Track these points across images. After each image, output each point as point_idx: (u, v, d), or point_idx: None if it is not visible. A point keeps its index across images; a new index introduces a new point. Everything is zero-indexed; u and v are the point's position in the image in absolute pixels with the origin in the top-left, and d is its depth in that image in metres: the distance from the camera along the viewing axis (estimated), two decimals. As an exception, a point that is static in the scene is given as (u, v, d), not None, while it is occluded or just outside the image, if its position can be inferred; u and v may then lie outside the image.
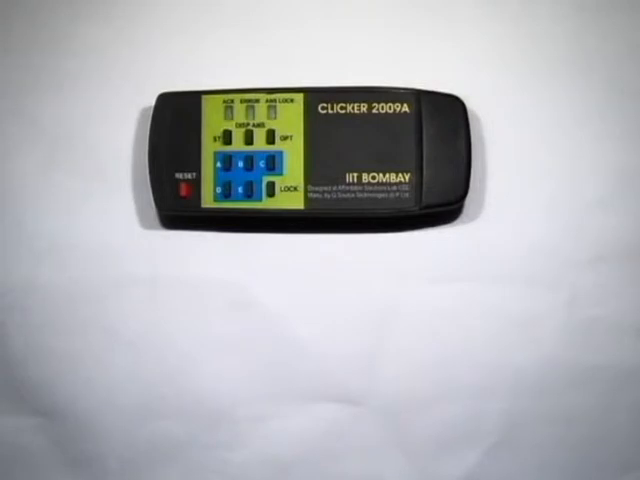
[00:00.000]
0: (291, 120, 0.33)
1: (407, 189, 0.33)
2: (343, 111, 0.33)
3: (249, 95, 0.34)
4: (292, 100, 0.34)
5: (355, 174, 0.33)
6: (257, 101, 0.34)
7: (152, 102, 0.34)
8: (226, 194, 0.33)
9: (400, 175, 0.33)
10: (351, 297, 0.34)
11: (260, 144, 0.34)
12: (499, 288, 0.34)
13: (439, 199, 0.33)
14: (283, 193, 0.33)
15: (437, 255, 0.34)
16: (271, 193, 0.33)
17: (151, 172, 0.34)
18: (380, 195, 0.33)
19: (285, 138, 0.33)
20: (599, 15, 0.35)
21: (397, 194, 0.33)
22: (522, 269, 0.34)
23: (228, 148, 0.34)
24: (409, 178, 0.33)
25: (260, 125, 0.34)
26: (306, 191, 0.33)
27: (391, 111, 0.33)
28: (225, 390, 0.34)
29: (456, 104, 0.34)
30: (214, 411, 0.34)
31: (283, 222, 0.34)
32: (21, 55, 0.36)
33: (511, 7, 0.35)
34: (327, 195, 0.33)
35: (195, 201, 0.33)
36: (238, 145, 0.34)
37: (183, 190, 0.33)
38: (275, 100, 0.34)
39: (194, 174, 0.34)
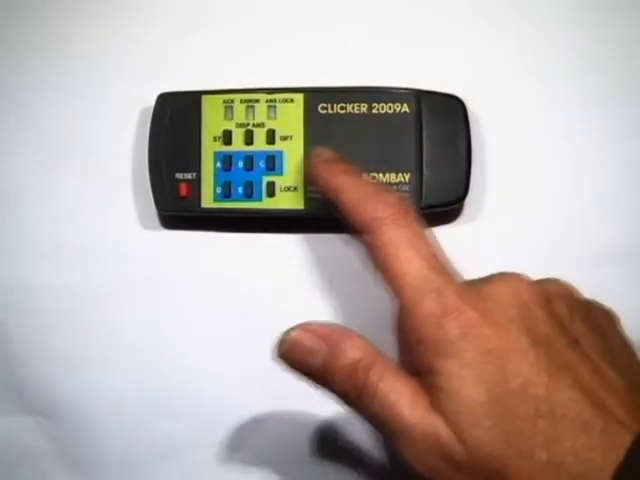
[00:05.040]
0: (291, 120, 0.33)
1: (407, 189, 0.33)
2: (343, 111, 0.33)
3: (249, 95, 0.34)
4: (292, 100, 0.34)
5: (355, 174, 0.33)
6: (257, 101, 0.34)
7: (152, 102, 0.34)
8: (226, 194, 0.33)
9: (400, 175, 0.33)
10: (352, 297, 0.34)
11: (260, 144, 0.34)
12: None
13: (439, 199, 0.33)
14: (283, 193, 0.33)
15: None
16: (271, 193, 0.33)
17: (151, 172, 0.34)
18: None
19: (285, 138, 0.33)
20: (599, 15, 0.35)
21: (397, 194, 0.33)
22: (522, 269, 0.34)
23: (228, 148, 0.34)
24: (409, 178, 0.33)
25: (260, 125, 0.34)
26: (306, 191, 0.33)
27: (391, 111, 0.33)
28: (225, 390, 0.34)
29: (456, 104, 0.34)
30: (214, 411, 0.34)
31: (283, 222, 0.34)
32: (21, 55, 0.36)
33: (512, 7, 0.35)
34: (327, 195, 0.33)
35: (195, 201, 0.34)
36: (238, 145, 0.34)
37: (183, 190, 0.33)
38: (275, 100, 0.34)
39: (194, 174, 0.34)
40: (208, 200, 0.33)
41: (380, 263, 0.25)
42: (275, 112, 0.34)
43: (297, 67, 0.35)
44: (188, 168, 0.34)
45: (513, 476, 0.22)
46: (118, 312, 0.35)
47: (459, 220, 0.35)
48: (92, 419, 0.34)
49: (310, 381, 0.26)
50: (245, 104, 0.34)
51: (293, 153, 0.33)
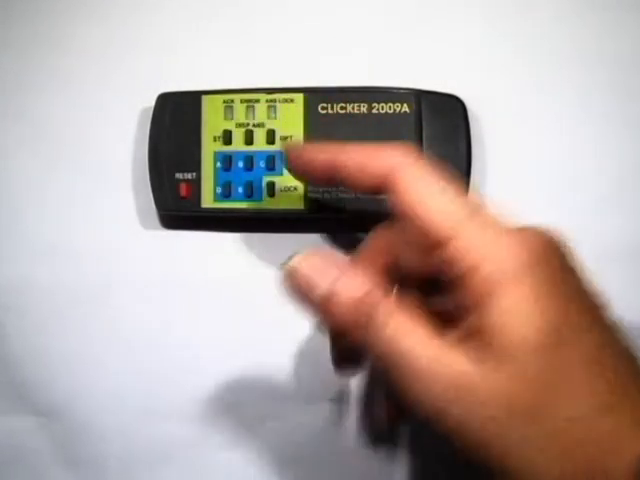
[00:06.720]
0: (291, 120, 0.34)
1: (407, 189, 0.33)
2: (343, 111, 0.33)
3: (249, 95, 0.34)
4: (292, 100, 0.34)
5: (355, 174, 0.33)
6: (257, 101, 0.34)
7: (152, 102, 0.34)
8: (226, 194, 0.33)
9: (400, 175, 0.33)
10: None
11: (260, 144, 0.34)
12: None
13: (439, 199, 0.33)
14: (283, 193, 0.33)
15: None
16: (271, 193, 0.33)
17: (151, 172, 0.34)
18: (380, 195, 0.33)
19: (285, 138, 0.33)
20: (599, 14, 0.35)
21: (397, 194, 0.33)
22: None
23: (228, 148, 0.34)
24: (409, 178, 0.33)
25: (260, 125, 0.34)
26: (306, 191, 0.33)
27: (391, 111, 0.33)
28: (225, 390, 0.34)
29: (456, 104, 0.34)
30: (214, 411, 0.34)
31: (283, 222, 0.34)
32: (21, 55, 0.36)
33: (511, 7, 0.35)
34: (327, 195, 0.33)
35: (195, 201, 0.34)
36: (238, 145, 0.34)
37: (183, 190, 0.34)
38: (275, 100, 0.34)
39: (194, 174, 0.34)
40: (208, 200, 0.33)
41: (407, 211, 0.24)
42: (275, 112, 0.34)
43: (297, 67, 0.35)
44: (188, 168, 0.34)
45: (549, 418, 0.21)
46: (118, 312, 0.35)
47: (459, 220, 0.35)
48: (92, 419, 0.34)
49: (313, 309, 0.24)
50: (245, 104, 0.34)
51: (293, 153, 0.33)
